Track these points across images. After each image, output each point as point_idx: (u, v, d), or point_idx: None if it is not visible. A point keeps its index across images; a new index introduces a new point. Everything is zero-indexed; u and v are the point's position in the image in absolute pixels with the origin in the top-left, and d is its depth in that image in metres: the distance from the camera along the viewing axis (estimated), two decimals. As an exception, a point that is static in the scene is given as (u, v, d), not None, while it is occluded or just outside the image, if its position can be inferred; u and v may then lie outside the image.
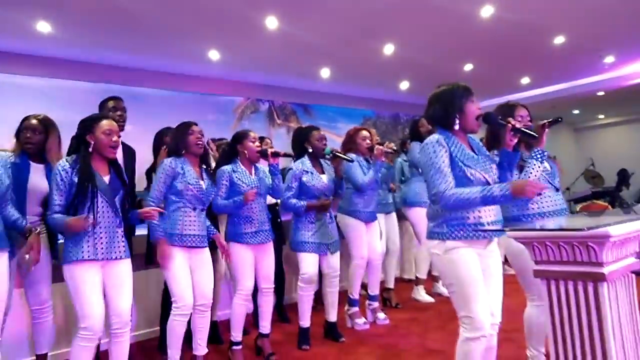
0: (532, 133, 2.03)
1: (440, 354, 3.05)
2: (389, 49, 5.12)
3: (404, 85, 6.65)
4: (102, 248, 2.29)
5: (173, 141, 2.79)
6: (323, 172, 3.40)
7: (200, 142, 2.75)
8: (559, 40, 5.07)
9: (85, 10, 3.86)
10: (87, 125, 2.35)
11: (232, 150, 3.10)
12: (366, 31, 4.64)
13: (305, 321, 3.32)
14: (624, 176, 8.49)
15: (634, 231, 1.55)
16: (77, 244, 2.25)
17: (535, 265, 1.62)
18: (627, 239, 1.54)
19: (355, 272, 3.66)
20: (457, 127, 2.01)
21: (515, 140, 2.12)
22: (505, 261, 4.56)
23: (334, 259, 3.39)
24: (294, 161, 3.39)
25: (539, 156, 2.10)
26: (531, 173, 2.08)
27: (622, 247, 1.53)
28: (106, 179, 2.36)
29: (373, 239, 3.78)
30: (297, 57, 5.19)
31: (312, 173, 3.31)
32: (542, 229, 1.63)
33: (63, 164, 2.30)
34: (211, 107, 5.38)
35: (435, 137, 1.99)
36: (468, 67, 5.93)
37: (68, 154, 2.51)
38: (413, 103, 7.44)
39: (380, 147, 3.52)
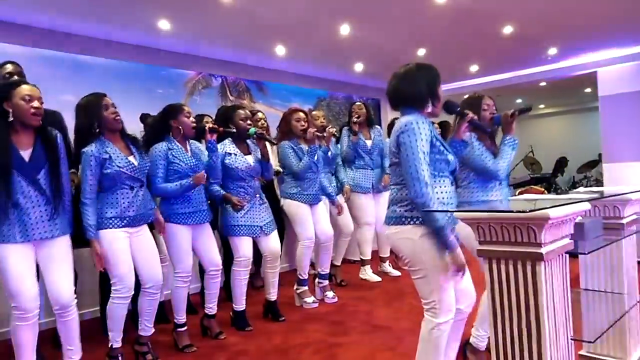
0: (485, 129, 2.10)
1: (386, 330, 3.16)
2: (345, 30, 5.10)
3: (359, 67, 6.66)
4: (27, 229, 2.16)
5: (85, 120, 2.51)
6: (249, 153, 3.29)
7: (119, 116, 2.54)
8: (508, 29, 5.23)
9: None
10: (3, 92, 2.15)
11: (163, 125, 2.91)
12: (323, 10, 4.58)
13: (241, 304, 3.30)
14: (561, 164, 9.02)
15: (569, 214, 1.65)
16: (2, 226, 2.12)
17: (479, 245, 1.69)
18: (564, 221, 1.64)
19: (302, 253, 3.70)
20: (429, 109, 2.01)
21: (467, 132, 2.21)
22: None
23: (272, 240, 3.34)
24: (232, 138, 3.23)
25: (511, 144, 2.25)
26: (505, 160, 2.21)
27: (558, 229, 1.63)
28: (26, 154, 2.16)
29: (321, 220, 3.81)
30: (253, 32, 5.05)
31: (235, 154, 3.18)
32: (487, 210, 1.69)
33: None
34: (160, 80, 5.16)
35: (417, 118, 1.91)
36: (422, 52, 6.01)
37: None
38: (367, 85, 7.49)
39: (312, 130, 3.51)
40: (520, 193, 7.30)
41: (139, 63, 4.98)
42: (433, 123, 2.09)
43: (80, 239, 2.64)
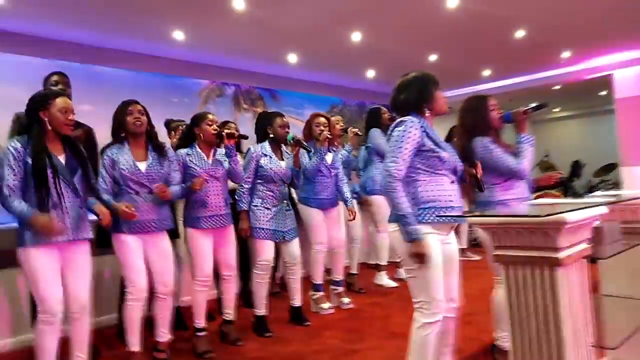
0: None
1: (403, 337, 3.13)
2: (356, 37, 5.13)
3: (370, 73, 6.69)
4: (66, 230, 2.23)
5: (114, 126, 2.70)
6: (282, 159, 3.37)
7: (140, 122, 2.64)
8: (520, 33, 5.21)
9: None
10: (41, 102, 2.25)
11: (190, 132, 3.04)
12: (334, 18, 4.62)
13: (261, 309, 3.31)
14: (576, 167, 8.89)
15: (587, 218, 1.64)
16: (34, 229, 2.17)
17: (495, 250, 1.69)
18: (581, 226, 1.63)
19: (315, 258, 3.70)
20: (428, 113, 2.08)
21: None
22: (469, 248, 4.73)
23: (293, 247, 3.38)
24: (269, 142, 3.36)
25: (529, 141, 2.38)
26: (527, 158, 2.33)
27: (575, 234, 1.62)
28: (61, 158, 2.28)
29: (333, 226, 3.81)
30: (265, 41, 5.11)
31: (270, 157, 3.28)
32: (502, 215, 1.69)
33: (14, 143, 2.20)
34: (175, 89, 5.24)
35: (415, 119, 2.03)
36: (433, 57, 6.01)
37: (18, 133, 2.41)
38: (379, 91, 7.50)
39: (325, 133, 3.54)
40: (536, 198, 7.24)
41: (154, 73, 5.07)
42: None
43: (102, 242, 2.72)
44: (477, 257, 5.07)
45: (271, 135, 3.33)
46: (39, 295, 2.19)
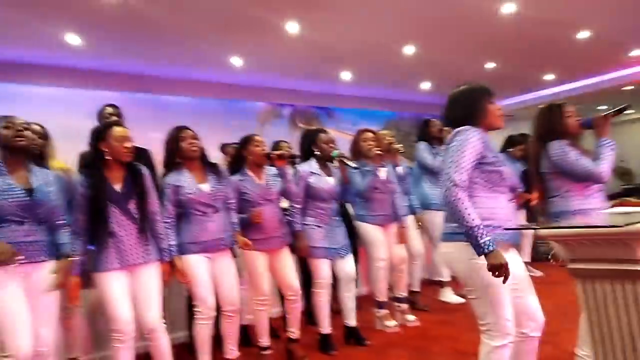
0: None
1: (472, 356, 3.00)
2: (409, 50, 5.11)
3: (425, 85, 6.62)
4: (124, 256, 2.34)
5: (167, 152, 2.72)
6: (330, 175, 3.34)
7: (195, 146, 2.69)
8: (583, 35, 4.97)
9: (112, 21, 3.96)
10: (99, 134, 2.39)
11: (239, 155, 3.07)
12: (386, 33, 4.64)
13: (326, 327, 3.28)
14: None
15: (673, 227, 1.51)
16: (102, 254, 2.32)
17: (571, 264, 1.59)
18: (666, 236, 1.50)
19: (376, 275, 3.63)
20: (481, 127, 1.97)
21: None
22: (530, 262, 4.47)
23: (348, 263, 3.32)
24: (301, 163, 3.32)
25: (609, 145, 2.25)
26: (606, 161, 2.19)
27: (661, 244, 1.50)
28: (118, 187, 2.37)
29: (393, 242, 3.73)
30: (318, 61, 5.21)
31: (319, 175, 3.25)
32: (577, 227, 1.60)
33: (80, 177, 2.38)
34: (234, 112, 5.45)
35: (470, 129, 1.90)
36: (490, 65, 5.86)
37: (86, 165, 2.56)
38: (435, 103, 7.39)
39: (375, 150, 3.47)
40: (612, 206, 6.76)
41: (214, 99, 5.31)
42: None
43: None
44: (539, 273, 4.81)
45: (317, 153, 3.29)
46: (111, 316, 2.32)
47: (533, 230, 2.05)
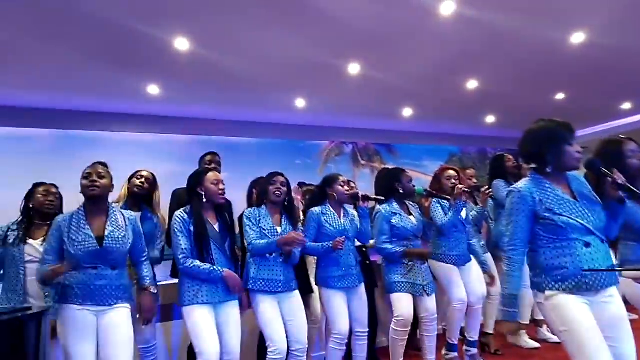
0: (636, 191, 1.87)
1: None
2: (472, 85, 5.06)
3: (490, 119, 6.47)
4: (214, 291, 2.47)
5: (259, 192, 2.94)
6: (410, 214, 3.36)
7: (279, 192, 2.83)
8: (663, 60, 4.68)
9: (185, 70, 4.29)
10: (197, 179, 2.59)
11: (322, 193, 3.16)
12: (447, 69, 4.63)
13: None
14: None
15: None
16: (194, 289, 2.44)
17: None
18: None
19: (454, 316, 3.49)
20: (549, 170, 1.91)
21: (619, 192, 1.95)
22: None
23: (431, 302, 3.25)
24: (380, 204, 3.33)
25: None
26: None
27: None
28: (216, 226, 2.56)
29: (470, 282, 3.58)
30: (379, 99, 5.29)
31: (400, 215, 3.26)
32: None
33: (181, 213, 2.52)
34: (298, 152, 5.61)
35: (520, 186, 1.92)
36: (560, 96, 5.63)
37: (177, 207, 2.72)
38: (500, 137, 7.18)
39: (460, 186, 3.40)
40: None
41: (279, 139, 5.51)
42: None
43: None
44: (635, 316, 4.39)
45: (400, 191, 3.32)
46: (198, 348, 2.43)
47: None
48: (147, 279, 2.46)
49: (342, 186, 3.09)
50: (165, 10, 3.30)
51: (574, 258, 1.82)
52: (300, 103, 5.10)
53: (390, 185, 3.34)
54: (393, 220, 3.23)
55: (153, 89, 4.60)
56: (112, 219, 2.34)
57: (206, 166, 3.37)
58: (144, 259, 2.49)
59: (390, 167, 3.83)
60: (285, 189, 2.88)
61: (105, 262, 2.27)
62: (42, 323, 2.02)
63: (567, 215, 1.84)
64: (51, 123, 4.94)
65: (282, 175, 2.89)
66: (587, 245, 1.83)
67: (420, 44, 4.12)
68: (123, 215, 2.43)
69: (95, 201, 2.32)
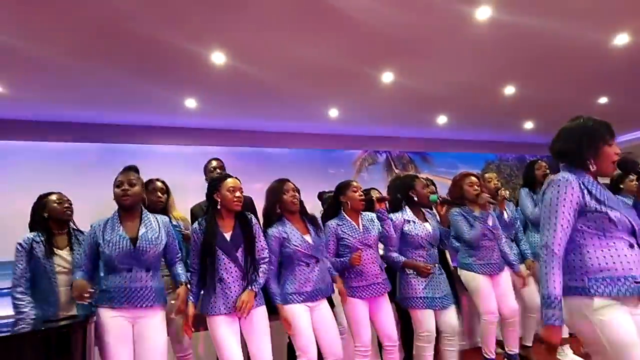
0: None
1: None
2: (509, 90, 4.94)
3: (528, 125, 6.29)
4: (229, 301, 2.43)
5: (269, 203, 2.78)
6: (426, 221, 3.23)
7: (296, 199, 2.74)
8: None
9: (221, 83, 4.38)
10: (214, 185, 2.56)
11: (336, 202, 3.06)
12: (483, 75, 4.55)
13: None
14: None
15: None
16: (210, 299, 2.43)
17: None
18: None
19: (486, 329, 3.37)
20: (592, 168, 1.78)
21: None
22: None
23: (450, 315, 3.09)
24: (393, 211, 3.23)
25: None
26: None
27: None
28: (228, 235, 2.50)
29: (504, 292, 3.45)
30: (413, 107, 5.24)
31: (414, 222, 3.14)
32: None
33: (196, 226, 2.53)
34: (331, 161, 5.62)
35: (566, 175, 1.75)
36: (602, 100, 5.43)
37: (192, 221, 2.76)
38: (539, 143, 6.97)
39: (485, 195, 3.28)
40: None
41: (312, 149, 5.54)
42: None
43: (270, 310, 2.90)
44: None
45: (415, 199, 3.16)
46: (222, 358, 2.42)
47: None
48: (183, 276, 2.49)
49: (355, 192, 2.99)
50: (202, 26, 3.39)
51: (622, 259, 1.69)
52: (333, 113, 5.11)
53: (404, 193, 3.22)
54: (405, 228, 3.12)
55: (190, 103, 4.73)
56: (145, 221, 2.42)
57: (212, 172, 3.40)
58: (178, 259, 2.54)
59: (405, 174, 3.74)
60: (298, 195, 2.80)
61: (139, 263, 2.32)
62: (87, 330, 2.09)
63: (617, 210, 1.72)
64: (98, 137, 5.15)
65: (289, 181, 2.82)
66: (632, 246, 1.72)
67: (455, 51, 4.06)
68: (156, 218, 2.49)
69: (128, 208, 2.39)
